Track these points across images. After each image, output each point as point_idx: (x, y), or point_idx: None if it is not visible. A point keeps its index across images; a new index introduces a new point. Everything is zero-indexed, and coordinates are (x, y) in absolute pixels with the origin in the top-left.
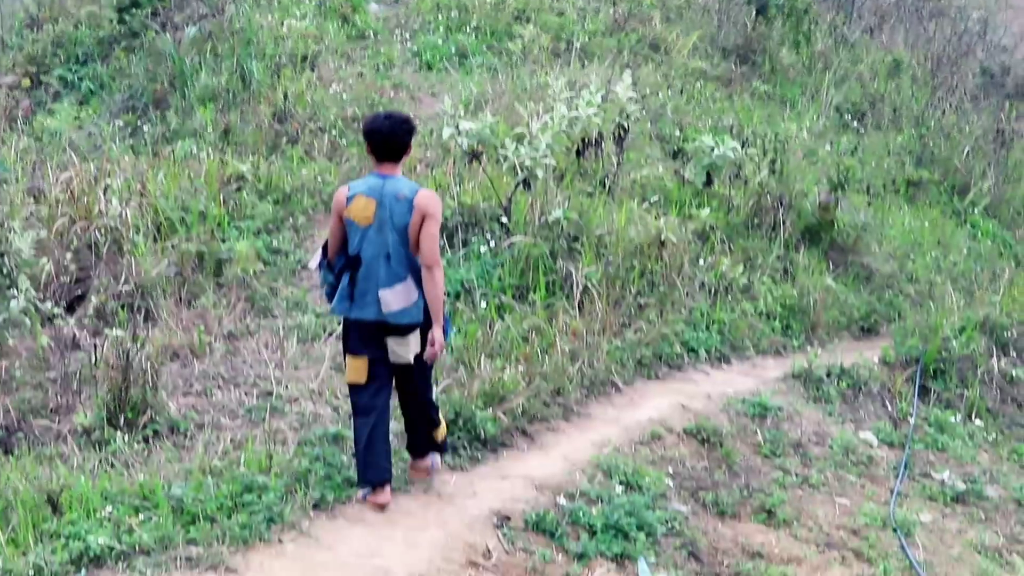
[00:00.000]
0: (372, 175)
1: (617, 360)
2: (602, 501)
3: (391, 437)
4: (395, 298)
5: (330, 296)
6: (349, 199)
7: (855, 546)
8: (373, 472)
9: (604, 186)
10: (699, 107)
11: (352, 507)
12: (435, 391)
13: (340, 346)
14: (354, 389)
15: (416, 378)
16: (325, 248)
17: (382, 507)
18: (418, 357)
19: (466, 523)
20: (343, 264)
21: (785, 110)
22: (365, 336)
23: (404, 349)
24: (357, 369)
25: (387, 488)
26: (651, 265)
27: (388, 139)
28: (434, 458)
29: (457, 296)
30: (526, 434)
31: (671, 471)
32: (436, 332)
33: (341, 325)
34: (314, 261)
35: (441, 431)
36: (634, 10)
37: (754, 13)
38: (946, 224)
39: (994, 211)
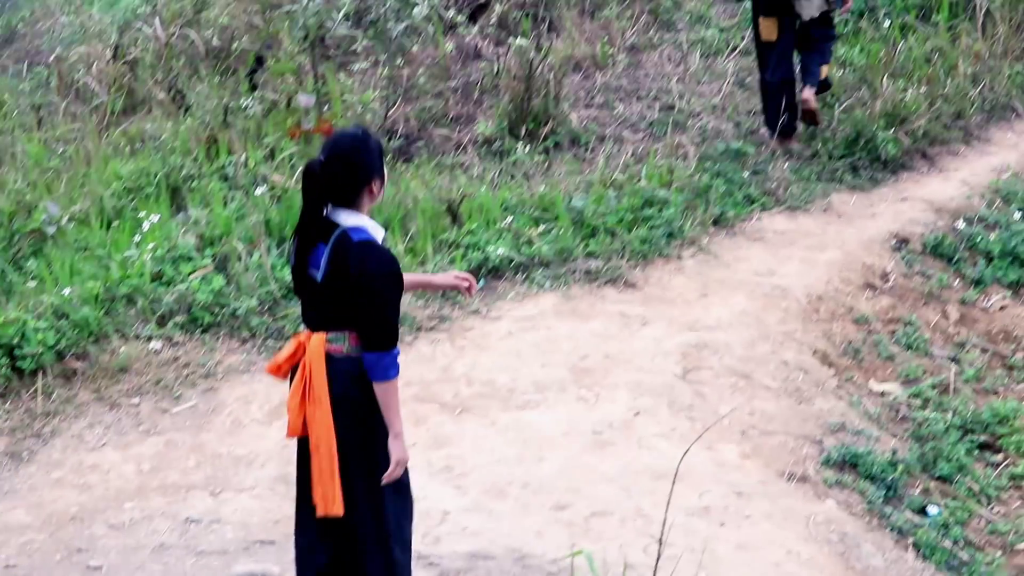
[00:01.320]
0: None
1: (1018, 85)
2: (1000, 227)
3: None
4: None
5: None
6: None
7: None
8: (790, 119)
9: None
10: None
11: (752, 224)
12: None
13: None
14: (766, 45)
15: (820, 32)
16: None
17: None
18: (824, 13)
19: (864, 244)
20: None
21: None
22: (776, 1)
23: (811, 6)
24: (769, 28)
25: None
26: None
27: None
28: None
29: (860, 15)
30: (925, 156)
31: None
32: None
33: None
34: None
35: (827, 69)
36: None
37: None
38: None
39: None
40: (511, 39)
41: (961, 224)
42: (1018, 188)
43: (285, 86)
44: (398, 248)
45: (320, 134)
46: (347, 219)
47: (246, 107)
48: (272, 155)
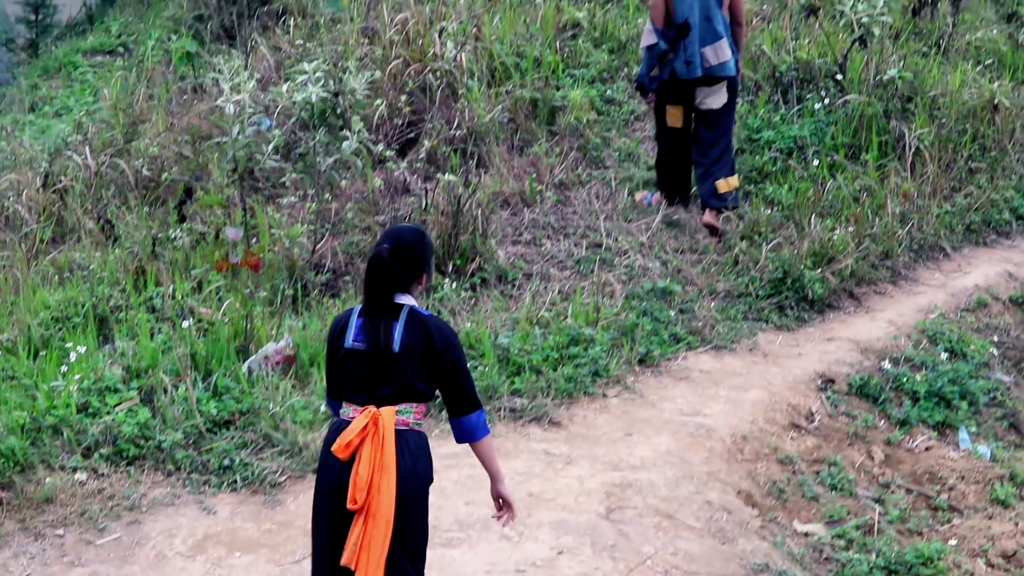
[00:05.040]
0: None
1: (946, 225)
2: (926, 368)
3: None
4: (715, 54)
5: (646, 82)
6: None
7: None
8: (684, 190)
9: (939, 47)
10: None
11: (678, 363)
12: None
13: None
14: (671, 131)
15: (721, 123)
16: (654, 27)
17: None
18: (725, 105)
19: (790, 384)
20: (674, 33)
21: None
22: (682, 89)
23: (714, 98)
24: (675, 115)
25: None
26: (983, 129)
27: None
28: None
29: (789, 153)
30: (853, 296)
31: (995, 340)
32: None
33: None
34: (648, 39)
35: (733, 181)
36: None
37: None
38: None
39: None
40: (439, 174)
41: (887, 364)
42: (945, 328)
43: (213, 218)
44: (323, 383)
45: (247, 268)
46: (407, 300)
47: (174, 238)
48: (200, 287)
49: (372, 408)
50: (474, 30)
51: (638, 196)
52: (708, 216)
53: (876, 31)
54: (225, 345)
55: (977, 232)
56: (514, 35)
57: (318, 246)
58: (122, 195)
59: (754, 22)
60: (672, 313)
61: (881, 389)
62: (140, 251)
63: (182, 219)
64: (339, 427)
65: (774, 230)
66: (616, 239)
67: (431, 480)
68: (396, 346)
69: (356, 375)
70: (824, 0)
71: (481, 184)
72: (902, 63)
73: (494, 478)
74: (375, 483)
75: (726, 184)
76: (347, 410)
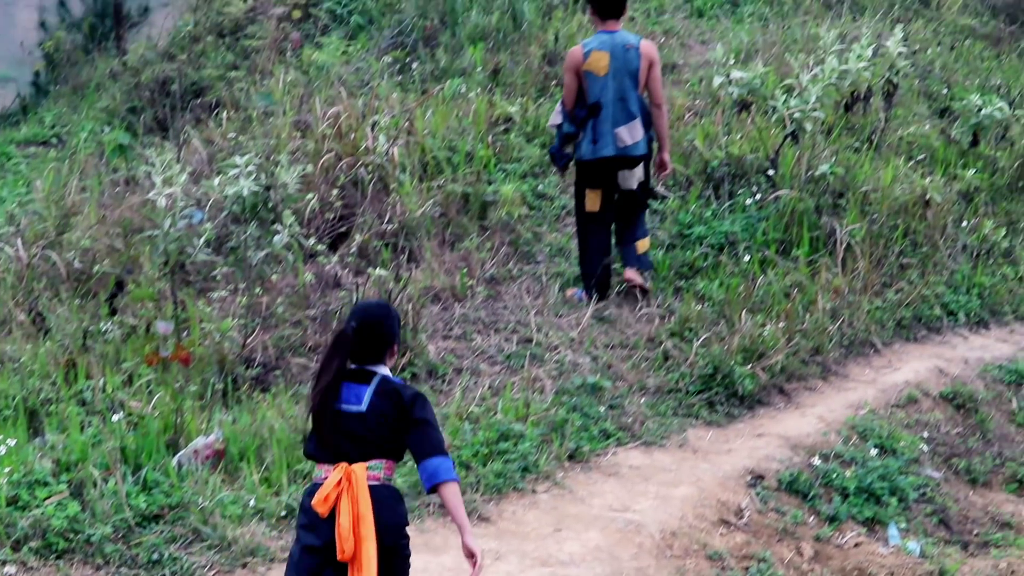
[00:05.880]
0: (599, 33)
1: (877, 320)
2: (856, 464)
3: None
4: (629, 134)
5: (556, 154)
6: (586, 55)
7: None
8: (605, 279)
9: (871, 142)
10: (967, 65)
11: (607, 458)
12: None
13: (575, 200)
14: (590, 214)
15: (640, 200)
16: (563, 108)
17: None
18: (641, 184)
19: (719, 480)
20: (585, 113)
21: None
22: (600, 172)
23: (634, 178)
24: (593, 199)
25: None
26: (915, 225)
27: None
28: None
29: (720, 249)
30: (783, 392)
31: (925, 436)
32: (665, 156)
33: (576, 168)
34: (555, 118)
35: (646, 243)
36: None
37: None
38: None
39: None
40: (371, 268)
41: (817, 460)
42: (875, 424)
43: (145, 311)
44: (252, 477)
45: (178, 361)
46: (381, 370)
47: (106, 331)
48: (130, 381)
49: (344, 465)
50: (406, 124)
51: (569, 292)
52: (630, 273)
53: (808, 126)
54: (155, 439)
55: (908, 328)
56: (446, 129)
57: (249, 340)
58: (54, 287)
59: (686, 117)
60: (602, 409)
61: (811, 485)
62: (71, 344)
63: (113, 312)
64: (313, 489)
65: (705, 326)
66: (547, 334)
67: (407, 524)
68: (364, 407)
69: (328, 436)
70: (756, 96)
71: (412, 278)
72: (834, 158)
73: (462, 529)
74: (357, 534)
75: (644, 244)
76: (319, 472)
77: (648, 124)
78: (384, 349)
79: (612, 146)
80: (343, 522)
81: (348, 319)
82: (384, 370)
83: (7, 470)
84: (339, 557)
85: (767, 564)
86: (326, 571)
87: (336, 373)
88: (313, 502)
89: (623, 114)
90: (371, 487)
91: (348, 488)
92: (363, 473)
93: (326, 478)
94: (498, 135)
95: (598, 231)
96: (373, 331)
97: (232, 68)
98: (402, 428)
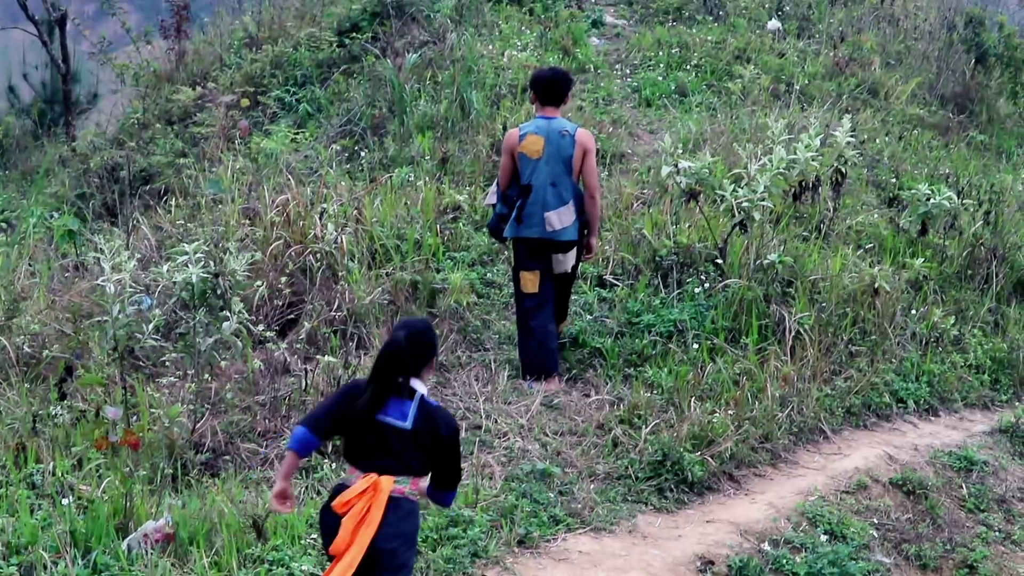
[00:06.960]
0: (538, 118)
1: (826, 408)
2: (806, 549)
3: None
4: (559, 219)
5: (494, 230)
6: (521, 137)
7: None
8: (552, 362)
9: (819, 231)
10: (915, 155)
11: (557, 544)
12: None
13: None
14: (528, 297)
15: (570, 283)
16: (498, 188)
17: (554, 393)
18: (573, 267)
19: (669, 566)
20: (516, 193)
21: (1001, 161)
22: (535, 254)
23: (568, 262)
24: (531, 281)
25: (555, 378)
26: (864, 313)
27: (552, 87)
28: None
29: (669, 337)
30: (732, 479)
31: (876, 522)
32: (594, 241)
33: (512, 249)
34: (490, 198)
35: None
36: (854, 54)
37: (973, 62)
38: None
39: None
40: (320, 355)
41: (767, 546)
42: (825, 511)
43: (94, 396)
44: (202, 561)
45: (127, 446)
46: (418, 386)
47: (55, 416)
48: (80, 465)
49: (374, 475)
50: (355, 212)
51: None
52: (552, 385)
53: (756, 216)
54: (105, 523)
55: (857, 415)
56: (395, 217)
57: (198, 425)
58: (3, 371)
59: (634, 206)
60: (551, 495)
61: (761, 571)
62: (20, 428)
63: (62, 397)
64: (339, 489)
65: (654, 413)
66: (496, 421)
67: (413, 537)
68: (408, 424)
69: (368, 446)
70: (704, 185)
71: (361, 365)
72: (782, 247)
73: None
74: (355, 535)
75: (565, 324)
76: (350, 476)
77: (581, 210)
78: (426, 362)
79: (540, 228)
80: (345, 523)
81: (395, 330)
82: (423, 388)
83: None
84: (329, 550)
85: None
86: None
87: (390, 383)
88: (335, 503)
89: (554, 199)
90: (392, 498)
91: (371, 496)
92: (389, 485)
93: (355, 482)
94: (446, 223)
95: (538, 312)
96: (421, 340)
97: (181, 155)
98: (435, 454)
